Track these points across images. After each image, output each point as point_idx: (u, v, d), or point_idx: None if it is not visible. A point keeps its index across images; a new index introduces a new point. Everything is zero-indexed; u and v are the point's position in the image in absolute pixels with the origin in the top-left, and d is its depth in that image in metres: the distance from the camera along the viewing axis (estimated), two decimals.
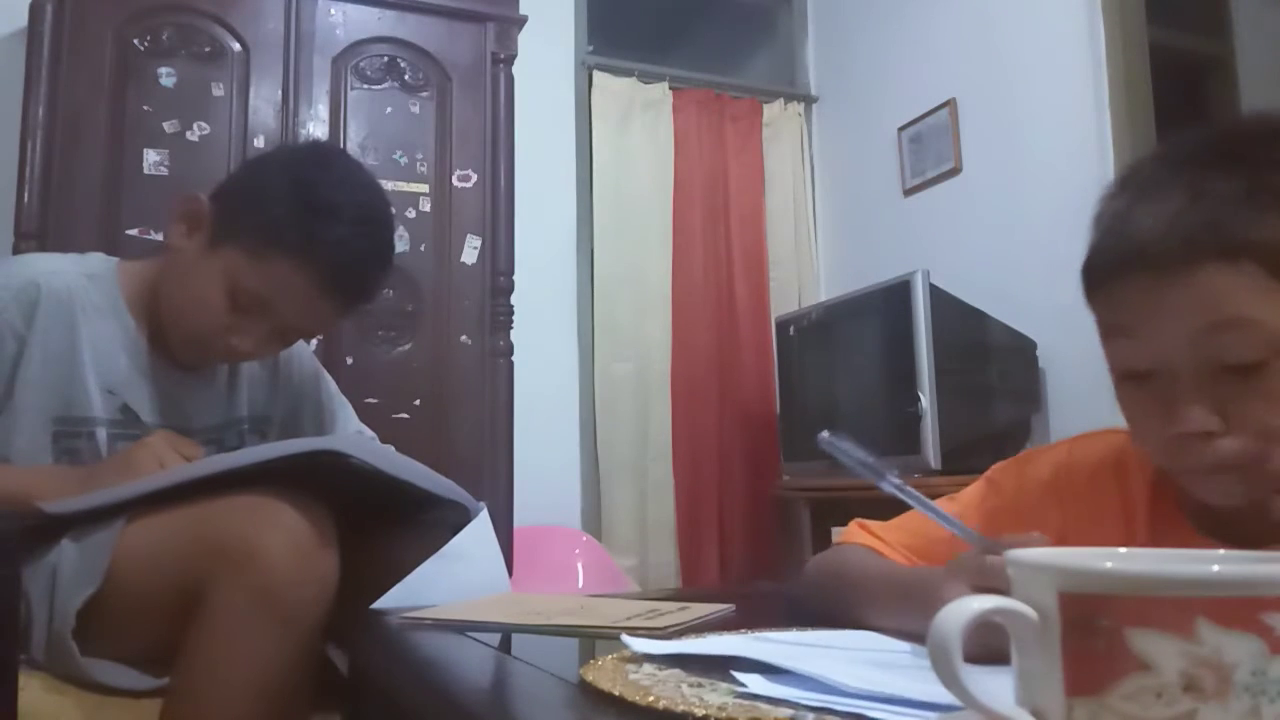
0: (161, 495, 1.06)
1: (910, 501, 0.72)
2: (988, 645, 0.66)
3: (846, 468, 0.72)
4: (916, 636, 0.74)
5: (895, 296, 2.64)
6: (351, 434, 1.47)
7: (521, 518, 2.44)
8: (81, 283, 1.22)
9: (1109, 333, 0.75)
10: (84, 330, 1.20)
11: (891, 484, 0.71)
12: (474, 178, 2.47)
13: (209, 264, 1.19)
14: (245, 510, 1.01)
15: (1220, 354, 0.68)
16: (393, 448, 1.32)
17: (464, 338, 2.41)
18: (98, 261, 1.29)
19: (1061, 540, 0.83)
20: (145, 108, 2.23)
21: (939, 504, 0.96)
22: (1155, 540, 0.80)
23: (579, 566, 2.81)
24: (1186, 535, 0.78)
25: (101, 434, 1.19)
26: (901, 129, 3.25)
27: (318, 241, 1.17)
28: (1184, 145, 0.74)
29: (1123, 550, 0.50)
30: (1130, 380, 0.74)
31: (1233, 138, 0.74)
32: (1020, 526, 0.86)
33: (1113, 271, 0.73)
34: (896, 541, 0.95)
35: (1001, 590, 0.66)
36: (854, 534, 0.98)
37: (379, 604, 1.01)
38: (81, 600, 1.02)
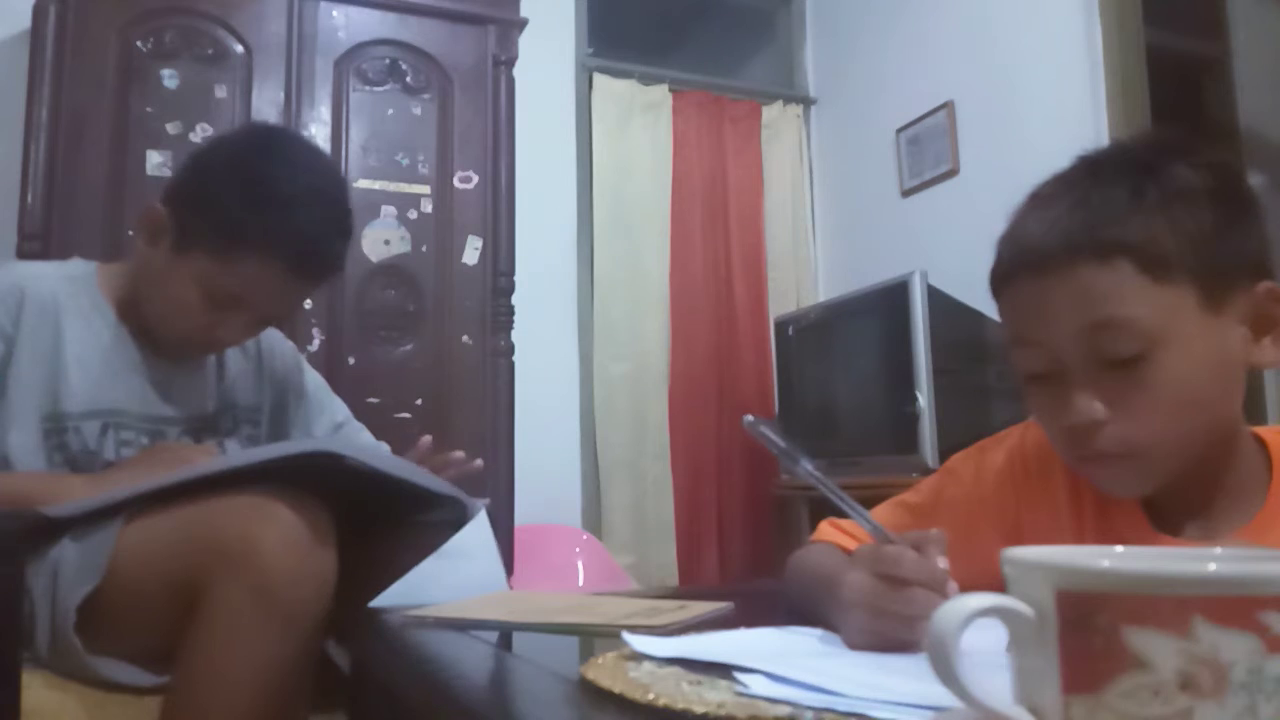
0: (160, 495, 1.07)
1: (822, 489, 0.75)
2: (882, 634, 0.69)
3: (769, 449, 0.76)
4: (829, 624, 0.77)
5: (893, 297, 2.64)
6: (344, 434, 1.48)
7: (522, 516, 2.44)
8: (64, 286, 1.25)
9: (1011, 341, 0.80)
10: (68, 331, 1.22)
11: (805, 470, 0.75)
12: (475, 179, 2.47)
13: (179, 270, 1.21)
14: (242, 509, 1.02)
15: (1101, 349, 0.73)
16: (387, 447, 1.33)
17: (465, 338, 2.41)
18: (77, 265, 1.31)
19: (1017, 526, 0.88)
20: (148, 109, 2.23)
21: (905, 496, 0.98)
22: (1104, 525, 0.84)
23: (579, 565, 2.82)
24: (1137, 522, 0.81)
25: (89, 429, 1.21)
26: (899, 131, 3.25)
27: (278, 234, 1.19)
28: (1084, 161, 0.81)
29: (1120, 549, 0.50)
30: (1032, 382, 0.79)
31: (1126, 152, 0.80)
32: (980, 514, 0.90)
33: (1006, 276, 0.79)
34: (864, 537, 0.96)
35: (896, 576, 0.68)
36: (824, 532, 1.00)
37: (377, 602, 1.02)
38: (81, 596, 1.03)
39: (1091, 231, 0.73)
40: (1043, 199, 0.79)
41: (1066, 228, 0.74)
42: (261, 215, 1.19)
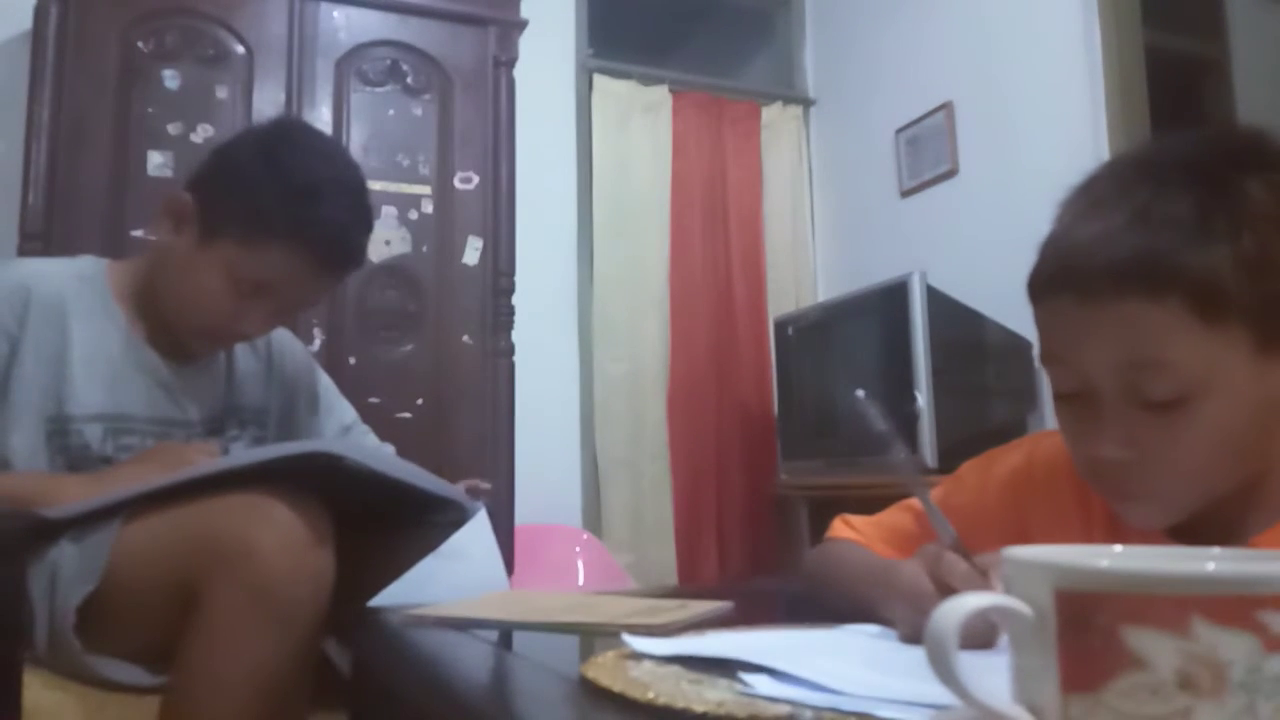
0: (158, 495, 1.07)
1: (907, 481, 0.75)
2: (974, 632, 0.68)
3: (866, 428, 0.76)
4: (887, 622, 0.77)
5: (892, 297, 2.64)
6: (352, 436, 1.48)
7: (523, 516, 2.44)
8: (72, 284, 1.24)
9: (1044, 356, 0.74)
10: (75, 331, 1.21)
11: (899, 460, 0.75)
12: (475, 179, 2.47)
13: (204, 258, 1.21)
14: (239, 508, 1.02)
15: (1138, 388, 0.68)
16: (392, 448, 1.33)
17: (466, 338, 2.41)
18: (88, 263, 1.30)
19: (1023, 538, 0.85)
20: (149, 110, 2.23)
21: (912, 500, 0.99)
22: (1114, 537, 0.80)
23: (580, 564, 2.81)
24: (1150, 533, 0.78)
25: (91, 432, 1.20)
26: (899, 131, 3.25)
27: (305, 222, 1.20)
28: (1141, 158, 0.73)
29: (1119, 548, 0.50)
30: (1062, 400, 0.75)
31: (1193, 156, 0.71)
32: (980, 525, 0.88)
33: (1045, 288, 0.72)
34: (875, 536, 0.98)
35: (949, 585, 0.68)
36: (838, 529, 1.01)
37: (376, 601, 1.02)
38: (80, 597, 1.03)
39: (1146, 261, 0.65)
40: (1096, 203, 0.70)
41: (1119, 251, 0.66)
42: (289, 202, 1.19)
